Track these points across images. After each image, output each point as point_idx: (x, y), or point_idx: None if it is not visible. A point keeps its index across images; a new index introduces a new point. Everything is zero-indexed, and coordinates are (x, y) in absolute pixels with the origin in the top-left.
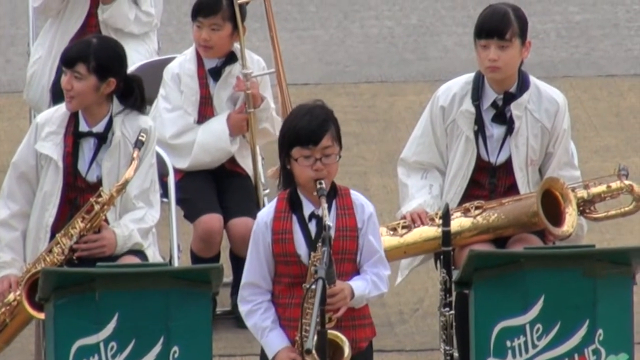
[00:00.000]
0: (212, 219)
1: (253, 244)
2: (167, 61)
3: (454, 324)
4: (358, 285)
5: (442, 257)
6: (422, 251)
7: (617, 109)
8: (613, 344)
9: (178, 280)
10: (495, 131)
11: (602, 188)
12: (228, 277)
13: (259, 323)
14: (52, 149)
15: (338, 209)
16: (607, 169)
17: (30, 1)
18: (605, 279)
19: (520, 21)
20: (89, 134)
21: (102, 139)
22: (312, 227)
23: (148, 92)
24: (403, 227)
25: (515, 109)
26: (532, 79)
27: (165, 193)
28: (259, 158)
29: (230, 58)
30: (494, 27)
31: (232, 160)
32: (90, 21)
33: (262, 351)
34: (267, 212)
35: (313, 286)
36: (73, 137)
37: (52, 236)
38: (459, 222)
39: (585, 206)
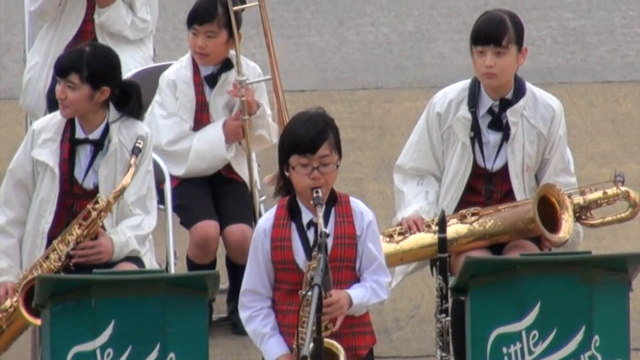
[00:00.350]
0: (209, 226)
1: (253, 250)
2: (163, 68)
3: (450, 330)
4: (357, 293)
5: (438, 263)
6: (419, 258)
7: (613, 115)
8: (609, 351)
9: (174, 287)
10: (492, 137)
11: (598, 194)
12: (224, 283)
13: (259, 329)
14: (49, 155)
15: (337, 217)
16: (603, 175)
17: (26, 6)
18: (601, 285)
19: (517, 28)
20: (86, 140)
21: (99, 145)
22: (311, 235)
23: (144, 99)
24: (399, 234)
25: (511, 115)
26: (528, 85)
27: (161, 200)
28: (255, 165)
29: (226, 65)
30: (490, 34)
31: (229, 167)
32: (86, 27)
33: (262, 358)
34: (266, 219)
35: (309, 293)
36: (69, 144)
37: (49, 243)
38: (455, 228)
39: (581, 212)
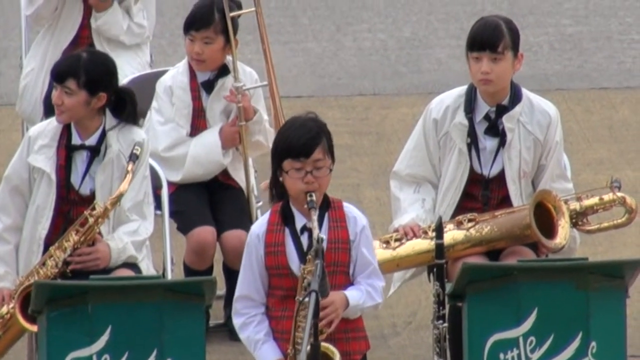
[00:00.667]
0: (205, 232)
1: (246, 256)
2: (160, 74)
3: (447, 336)
4: (353, 294)
5: (435, 269)
6: (415, 264)
7: (609, 122)
8: (606, 357)
9: (171, 293)
10: (488, 144)
11: (594, 200)
12: (221, 289)
13: (252, 336)
14: (45, 162)
15: (330, 221)
16: (599, 182)
17: (22, 11)
18: (598, 291)
19: (513, 34)
20: (82, 147)
21: (95, 152)
22: (304, 240)
23: (141, 105)
24: (396, 240)
25: (507, 121)
26: (525, 92)
27: (158, 206)
28: (252, 170)
29: (223, 71)
30: (487, 40)
31: (225, 173)
32: (83, 33)
33: None
34: (260, 224)
35: (305, 299)
36: (66, 150)
37: (45, 249)
38: (452, 234)
39: (578, 218)
